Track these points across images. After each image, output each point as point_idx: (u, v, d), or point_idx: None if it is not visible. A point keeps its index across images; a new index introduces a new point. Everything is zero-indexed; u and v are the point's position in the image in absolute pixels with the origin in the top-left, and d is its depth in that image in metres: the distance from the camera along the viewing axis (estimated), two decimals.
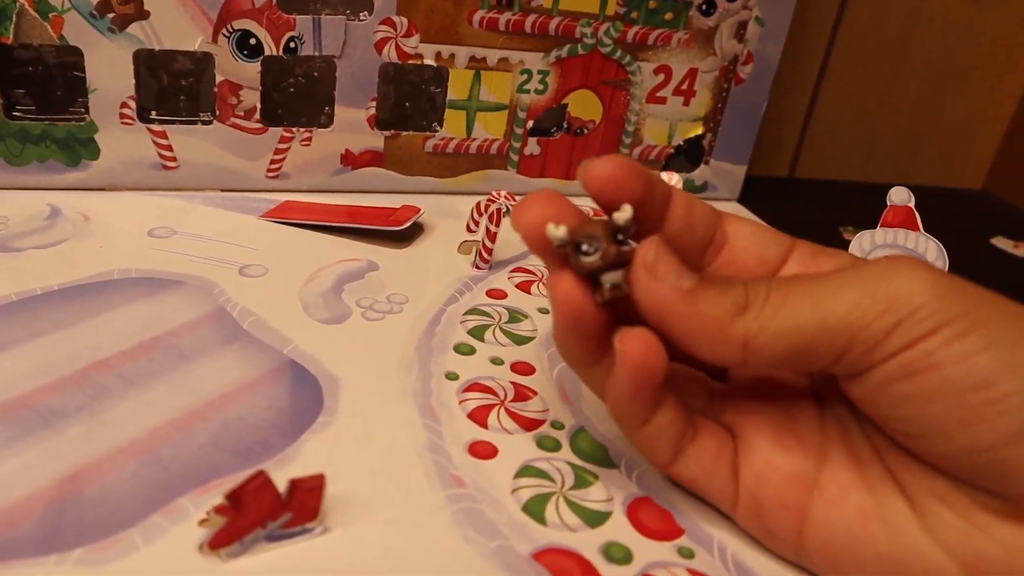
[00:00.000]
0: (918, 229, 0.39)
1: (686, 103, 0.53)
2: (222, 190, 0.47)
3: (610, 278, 0.24)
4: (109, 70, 0.42)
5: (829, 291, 0.22)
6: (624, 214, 0.24)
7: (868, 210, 0.40)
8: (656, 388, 0.24)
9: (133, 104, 0.43)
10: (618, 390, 0.24)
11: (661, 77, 0.51)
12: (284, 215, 0.45)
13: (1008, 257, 0.59)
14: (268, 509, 0.24)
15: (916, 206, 0.39)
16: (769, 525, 0.25)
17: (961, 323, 0.21)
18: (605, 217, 0.24)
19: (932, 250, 0.38)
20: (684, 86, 0.52)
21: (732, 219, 0.28)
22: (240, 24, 0.43)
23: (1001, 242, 0.62)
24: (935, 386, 0.21)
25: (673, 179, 0.49)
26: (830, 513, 0.24)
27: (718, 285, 0.23)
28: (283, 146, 0.47)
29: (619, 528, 0.27)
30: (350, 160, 0.48)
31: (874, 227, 0.39)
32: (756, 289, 0.23)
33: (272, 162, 0.47)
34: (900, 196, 0.39)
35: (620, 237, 0.24)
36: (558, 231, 0.24)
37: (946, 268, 0.37)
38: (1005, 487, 0.21)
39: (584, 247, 0.24)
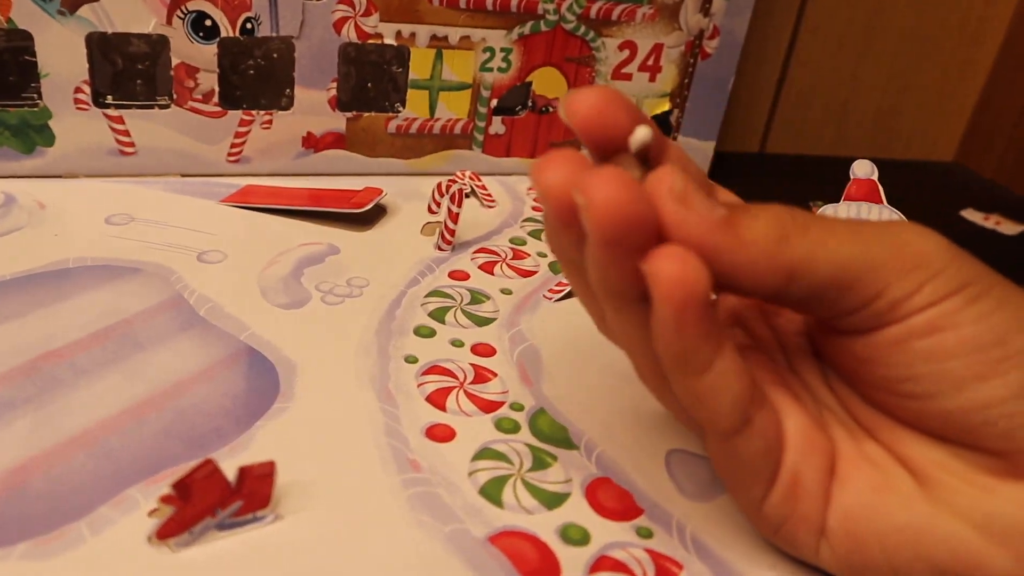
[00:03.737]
0: (881, 202, 0.38)
1: (652, 79, 0.52)
2: (182, 175, 0.46)
3: None
4: (61, 54, 0.41)
5: (872, 235, 0.22)
6: (641, 135, 0.22)
7: (839, 184, 0.39)
8: (704, 314, 0.21)
9: (88, 89, 0.43)
10: (661, 324, 0.21)
11: (626, 53, 0.51)
12: (245, 199, 0.44)
13: (977, 229, 0.59)
14: (217, 498, 0.24)
15: (887, 179, 0.39)
16: (803, 509, 0.24)
17: (978, 285, 0.22)
18: (626, 150, 0.22)
19: None
20: (650, 62, 0.51)
21: (721, 191, 0.26)
22: (195, 5, 0.42)
23: (971, 214, 0.62)
24: (956, 343, 0.22)
25: None
26: (846, 487, 0.24)
27: (751, 212, 0.22)
28: (243, 129, 0.46)
29: (577, 509, 0.27)
30: (312, 143, 0.48)
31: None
32: (795, 216, 0.22)
33: (232, 146, 0.46)
34: (863, 169, 0.39)
35: (646, 165, 0.22)
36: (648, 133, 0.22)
37: None
38: (1008, 443, 0.22)
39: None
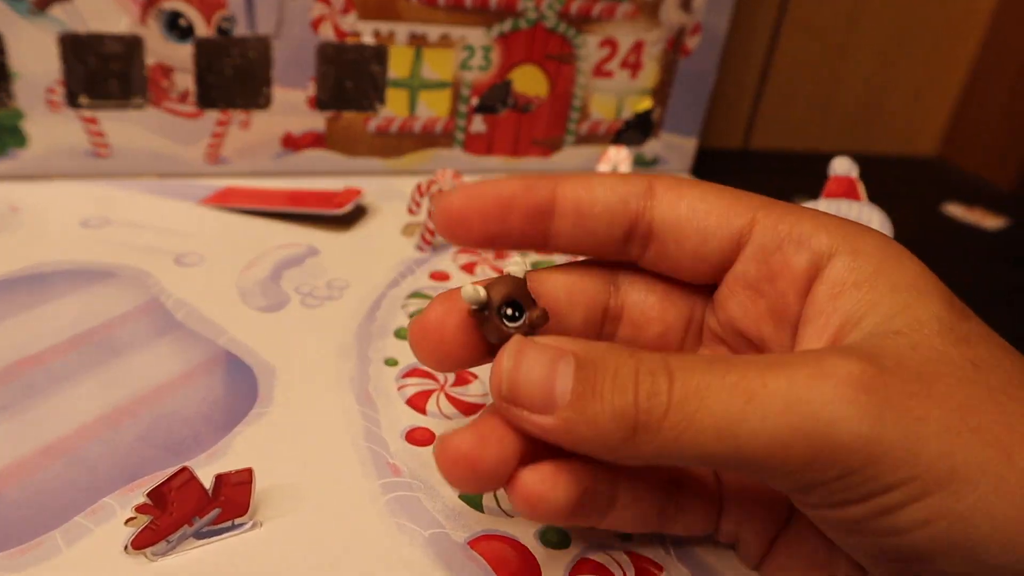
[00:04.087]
0: (860, 199, 0.38)
1: (633, 76, 0.52)
2: (159, 176, 0.46)
3: None
4: (33, 54, 0.41)
5: (751, 414, 0.17)
6: (517, 267, 0.21)
7: (823, 179, 0.39)
8: (570, 513, 0.20)
9: (61, 89, 0.42)
10: None
11: (607, 50, 0.50)
12: (224, 201, 0.44)
13: (960, 224, 0.59)
14: (194, 506, 0.24)
15: (870, 174, 0.39)
16: (743, 549, 0.25)
17: (906, 489, 0.16)
18: (507, 274, 0.22)
19: (876, 219, 0.38)
20: (631, 59, 0.51)
21: (667, 199, 0.22)
22: (169, 4, 0.42)
23: (953, 208, 0.62)
24: (866, 547, 0.18)
25: (621, 154, 0.48)
26: (789, 554, 0.24)
27: (605, 387, 0.18)
28: (220, 130, 0.46)
29: None
30: (292, 143, 0.47)
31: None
32: (654, 397, 0.17)
33: (210, 146, 0.46)
34: (842, 166, 0.39)
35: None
36: (478, 292, 0.21)
37: (891, 235, 0.37)
38: None
39: (508, 311, 0.21)
